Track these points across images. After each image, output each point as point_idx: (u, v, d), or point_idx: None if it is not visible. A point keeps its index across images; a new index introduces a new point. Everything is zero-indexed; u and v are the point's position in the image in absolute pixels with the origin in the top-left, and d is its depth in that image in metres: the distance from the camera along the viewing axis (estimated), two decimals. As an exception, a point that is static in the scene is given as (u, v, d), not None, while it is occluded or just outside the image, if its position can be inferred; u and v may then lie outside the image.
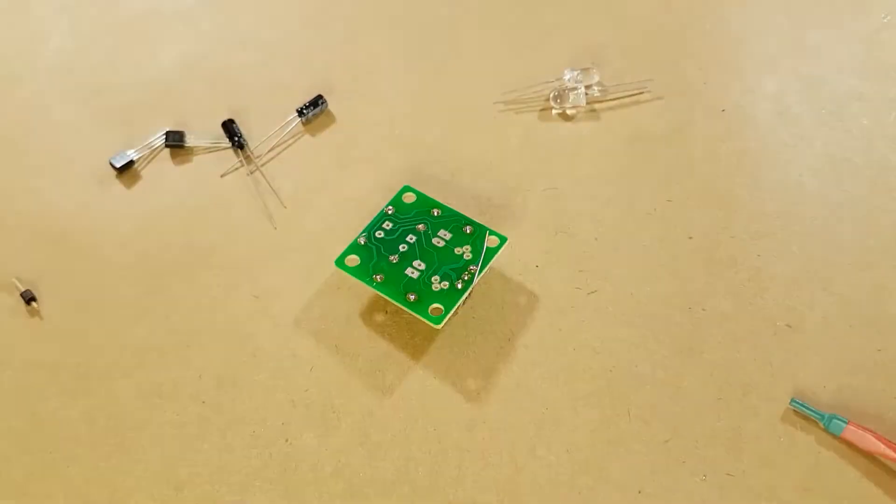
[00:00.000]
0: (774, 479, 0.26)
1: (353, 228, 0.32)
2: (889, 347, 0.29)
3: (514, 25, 0.41)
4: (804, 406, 0.27)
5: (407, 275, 0.30)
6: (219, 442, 0.29)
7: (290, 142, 0.38)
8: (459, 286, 0.29)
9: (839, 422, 0.27)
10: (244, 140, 0.37)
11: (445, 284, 0.29)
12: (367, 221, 0.31)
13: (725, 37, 0.40)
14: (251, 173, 0.37)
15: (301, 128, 0.38)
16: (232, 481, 0.28)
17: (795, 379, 0.29)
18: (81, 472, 0.28)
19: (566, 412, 0.28)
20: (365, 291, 0.32)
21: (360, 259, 0.30)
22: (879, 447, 0.26)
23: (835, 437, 0.27)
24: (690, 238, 0.33)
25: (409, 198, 0.32)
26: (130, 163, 0.37)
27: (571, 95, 0.37)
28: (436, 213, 0.31)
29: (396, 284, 0.29)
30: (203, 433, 0.29)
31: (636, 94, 0.37)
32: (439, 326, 0.28)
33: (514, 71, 0.39)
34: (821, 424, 0.27)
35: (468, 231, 0.31)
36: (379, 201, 0.32)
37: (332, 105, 0.39)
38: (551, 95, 0.37)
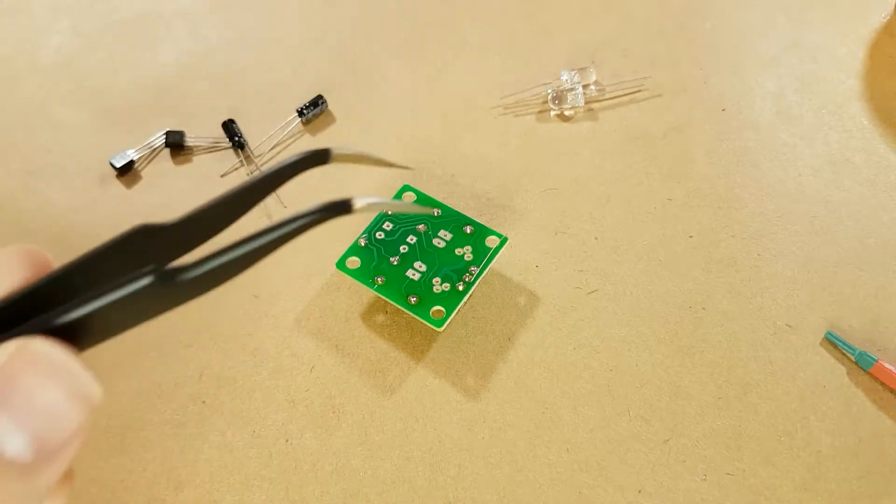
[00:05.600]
0: (774, 479, 0.26)
1: (353, 229, 0.32)
2: (889, 348, 0.29)
3: (512, 26, 0.41)
4: (839, 339, 0.29)
5: (408, 276, 0.30)
6: (219, 442, 0.29)
7: (289, 142, 0.38)
8: (461, 288, 0.29)
9: (869, 358, 0.28)
10: (244, 140, 0.37)
11: (447, 286, 0.29)
12: (368, 222, 0.31)
13: (725, 36, 0.40)
14: (251, 173, 0.37)
15: (301, 128, 0.38)
16: (232, 481, 0.28)
17: (795, 378, 0.29)
18: (81, 472, 0.28)
19: (566, 412, 0.28)
20: (365, 291, 0.32)
21: (361, 261, 0.30)
22: None
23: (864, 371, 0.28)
24: (690, 237, 0.33)
25: (409, 197, 0.32)
26: (131, 163, 0.37)
27: (569, 96, 0.37)
28: (436, 213, 0.31)
29: (398, 287, 0.29)
30: (203, 433, 0.29)
31: (634, 92, 0.38)
32: (441, 329, 0.28)
33: (513, 70, 0.39)
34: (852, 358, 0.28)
35: (468, 231, 0.31)
36: (379, 201, 0.32)
37: (332, 105, 0.39)
38: (549, 97, 0.37)
